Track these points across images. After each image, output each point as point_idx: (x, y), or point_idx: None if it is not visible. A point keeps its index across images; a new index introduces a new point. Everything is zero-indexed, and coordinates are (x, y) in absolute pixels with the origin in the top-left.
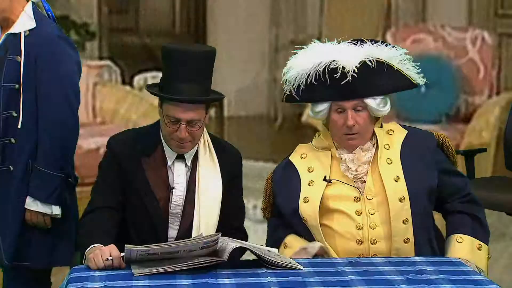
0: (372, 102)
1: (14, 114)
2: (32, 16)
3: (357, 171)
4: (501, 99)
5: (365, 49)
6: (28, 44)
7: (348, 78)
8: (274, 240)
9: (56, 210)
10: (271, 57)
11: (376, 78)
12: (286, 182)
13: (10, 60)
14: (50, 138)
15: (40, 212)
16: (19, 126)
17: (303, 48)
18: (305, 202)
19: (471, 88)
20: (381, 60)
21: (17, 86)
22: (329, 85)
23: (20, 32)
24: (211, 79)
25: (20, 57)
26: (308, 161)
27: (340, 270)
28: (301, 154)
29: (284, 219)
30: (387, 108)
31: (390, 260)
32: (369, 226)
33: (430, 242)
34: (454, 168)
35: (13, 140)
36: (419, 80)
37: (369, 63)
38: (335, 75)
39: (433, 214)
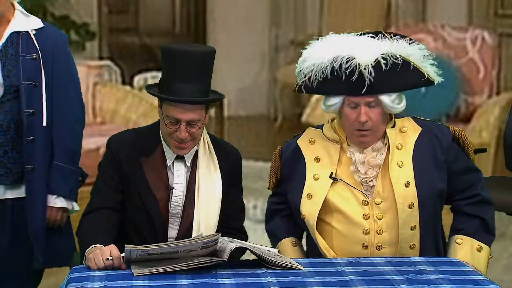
0: (387, 99)
1: (33, 112)
2: (28, 15)
3: (366, 174)
4: (501, 99)
5: (384, 44)
6: (40, 43)
7: (365, 76)
8: (272, 233)
9: (76, 206)
10: (271, 57)
11: (393, 74)
12: (294, 170)
13: (25, 58)
14: (71, 135)
15: (63, 208)
16: (44, 124)
17: (304, 47)
18: (308, 198)
19: (471, 88)
20: (399, 56)
21: (34, 84)
22: (344, 79)
23: (27, 31)
24: (211, 79)
25: (37, 55)
26: (316, 149)
27: (340, 270)
28: (310, 139)
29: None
30: (402, 105)
31: (390, 260)
32: (376, 231)
33: (437, 247)
34: (469, 164)
35: (32, 139)
36: (436, 77)
37: (386, 60)
38: (350, 71)
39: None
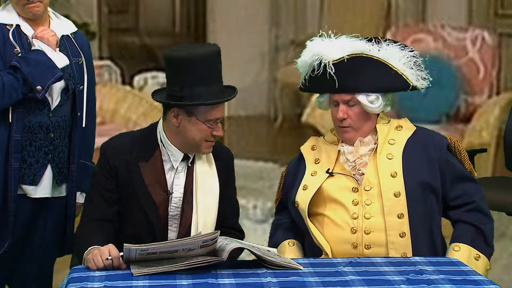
0: (363, 99)
1: (80, 115)
2: (60, 17)
3: (355, 163)
4: (501, 99)
5: (356, 45)
6: (80, 47)
7: (331, 73)
8: (273, 243)
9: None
10: (271, 57)
11: (368, 75)
12: (295, 176)
13: (75, 63)
14: (93, 134)
15: (82, 203)
16: (83, 125)
17: (304, 47)
18: (303, 189)
19: (471, 88)
20: (377, 58)
21: (81, 87)
22: (323, 78)
23: (68, 34)
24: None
25: (81, 59)
26: (317, 153)
27: (340, 270)
28: (312, 146)
29: (287, 210)
30: (378, 105)
31: (390, 260)
32: (364, 216)
33: (431, 238)
34: (466, 173)
35: (76, 140)
36: (419, 83)
37: (359, 59)
38: (321, 69)
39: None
